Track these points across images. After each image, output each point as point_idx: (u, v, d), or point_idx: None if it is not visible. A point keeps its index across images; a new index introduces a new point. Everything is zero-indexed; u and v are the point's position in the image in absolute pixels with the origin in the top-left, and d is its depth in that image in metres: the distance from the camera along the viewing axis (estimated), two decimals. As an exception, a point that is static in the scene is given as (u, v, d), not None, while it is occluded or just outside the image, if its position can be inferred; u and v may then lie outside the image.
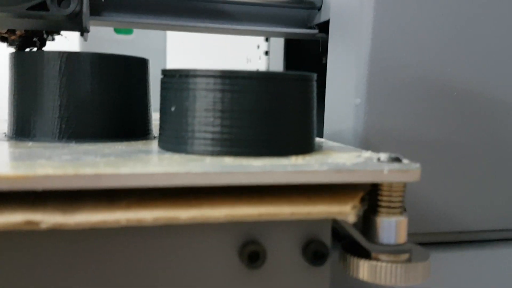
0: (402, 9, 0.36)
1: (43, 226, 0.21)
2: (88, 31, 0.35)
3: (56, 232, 0.22)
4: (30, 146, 0.30)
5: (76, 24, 0.34)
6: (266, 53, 0.67)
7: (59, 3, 0.31)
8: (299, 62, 0.58)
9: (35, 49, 0.39)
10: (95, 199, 0.23)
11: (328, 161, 0.25)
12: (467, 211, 0.39)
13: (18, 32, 0.37)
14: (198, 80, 0.27)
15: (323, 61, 0.50)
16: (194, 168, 0.23)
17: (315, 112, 0.30)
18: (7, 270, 0.23)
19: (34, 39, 0.38)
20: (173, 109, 0.28)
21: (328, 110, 0.41)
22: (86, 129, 0.32)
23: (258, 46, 0.69)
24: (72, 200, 0.23)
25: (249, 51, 0.75)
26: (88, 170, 0.21)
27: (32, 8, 0.31)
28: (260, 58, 0.69)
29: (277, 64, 0.61)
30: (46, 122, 0.32)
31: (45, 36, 0.39)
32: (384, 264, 0.24)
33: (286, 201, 0.23)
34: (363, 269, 0.25)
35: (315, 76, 0.29)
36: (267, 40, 0.67)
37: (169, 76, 0.29)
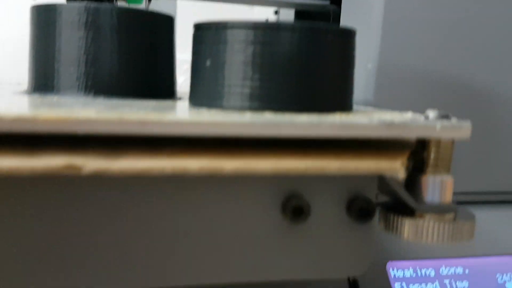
0: (412, 9, 0.37)
1: (85, 171, 0.20)
2: None
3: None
4: (56, 100, 0.29)
5: None
6: None
7: None
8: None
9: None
10: (136, 148, 0.22)
11: (374, 117, 0.24)
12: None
13: None
14: (236, 32, 0.26)
15: None
16: (240, 118, 0.22)
17: (354, 69, 0.29)
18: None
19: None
20: (208, 63, 0.27)
21: None
22: (113, 84, 0.31)
23: (267, 20, 0.68)
24: (111, 148, 0.22)
25: (257, 25, 0.74)
26: (133, 116, 0.20)
27: None
28: None
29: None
30: (72, 77, 0.31)
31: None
32: (430, 223, 0.24)
33: (333, 156, 0.23)
34: (408, 228, 0.24)
35: (355, 32, 0.28)
36: (276, 13, 0.65)
37: (203, 29, 0.28)
